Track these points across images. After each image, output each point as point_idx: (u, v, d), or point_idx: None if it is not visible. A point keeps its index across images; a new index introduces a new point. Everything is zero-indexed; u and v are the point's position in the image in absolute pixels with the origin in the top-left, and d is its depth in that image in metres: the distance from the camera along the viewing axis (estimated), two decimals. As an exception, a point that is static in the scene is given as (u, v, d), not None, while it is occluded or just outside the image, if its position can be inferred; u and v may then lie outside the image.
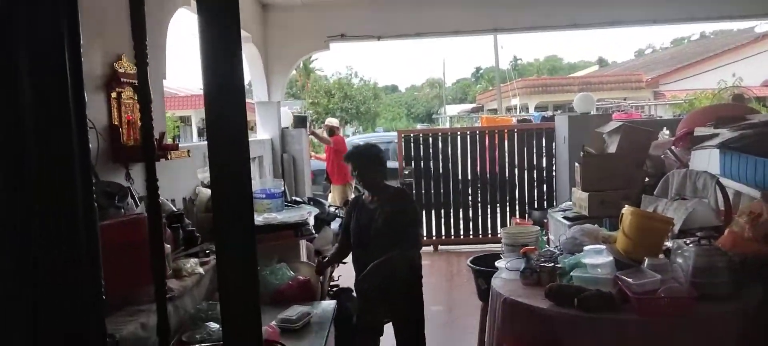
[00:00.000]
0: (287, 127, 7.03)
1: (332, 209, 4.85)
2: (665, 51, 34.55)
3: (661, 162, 4.48)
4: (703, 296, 2.34)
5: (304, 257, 3.33)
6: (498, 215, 7.44)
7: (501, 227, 7.35)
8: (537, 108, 21.24)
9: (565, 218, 4.48)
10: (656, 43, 55.24)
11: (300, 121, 7.21)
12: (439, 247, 7.41)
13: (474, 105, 35.99)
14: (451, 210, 7.46)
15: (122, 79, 3.07)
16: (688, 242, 2.67)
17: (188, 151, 3.34)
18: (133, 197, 2.92)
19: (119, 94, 3.07)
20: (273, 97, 6.87)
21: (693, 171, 3.36)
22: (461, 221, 7.46)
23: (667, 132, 5.45)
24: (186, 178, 3.88)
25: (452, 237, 7.47)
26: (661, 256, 2.69)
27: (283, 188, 3.15)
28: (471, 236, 7.43)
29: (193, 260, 2.53)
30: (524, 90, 23.36)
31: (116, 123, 3.03)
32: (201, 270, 2.50)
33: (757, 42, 16.44)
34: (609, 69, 32.07)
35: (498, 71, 23.88)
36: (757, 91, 11.27)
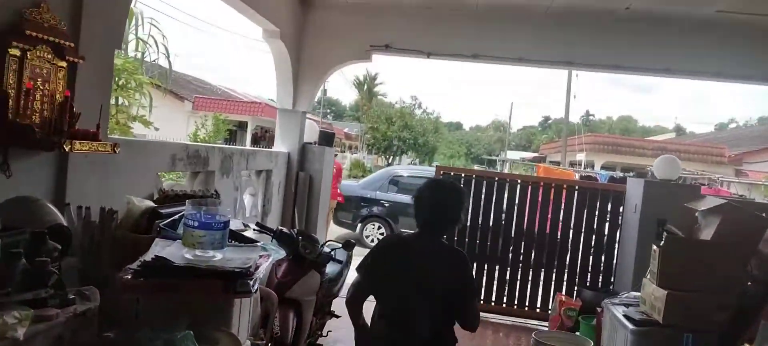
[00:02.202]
0: (311, 143, 6.13)
1: (327, 250, 3.85)
2: (749, 128, 31.96)
3: (774, 264, 3.25)
4: None
5: (239, 325, 2.28)
6: (541, 284, 6.18)
7: (541, 301, 6.11)
8: (603, 167, 19.65)
9: (626, 316, 3.30)
10: (740, 118, 51.84)
11: (326, 139, 6.29)
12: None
13: (536, 154, 34.57)
14: (485, 269, 6.25)
15: (31, 32, 2.24)
16: None
17: (115, 146, 2.44)
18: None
19: (24, 52, 2.24)
20: (299, 106, 6.00)
21: None
22: (495, 283, 6.22)
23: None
24: (133, 180, 3.00)
25: (480, 302, 6.16)
26: None
27: (226, 218, 2.18)
28: (504, 306, 6.16)
29: (17, 313, 1.58)
30: (592, 146, 21.81)
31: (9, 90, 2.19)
32: (19, 333, 1.53)
33: None
34: (687, 139, 29.88)
35: (566, 121, 22.45)
36: None
